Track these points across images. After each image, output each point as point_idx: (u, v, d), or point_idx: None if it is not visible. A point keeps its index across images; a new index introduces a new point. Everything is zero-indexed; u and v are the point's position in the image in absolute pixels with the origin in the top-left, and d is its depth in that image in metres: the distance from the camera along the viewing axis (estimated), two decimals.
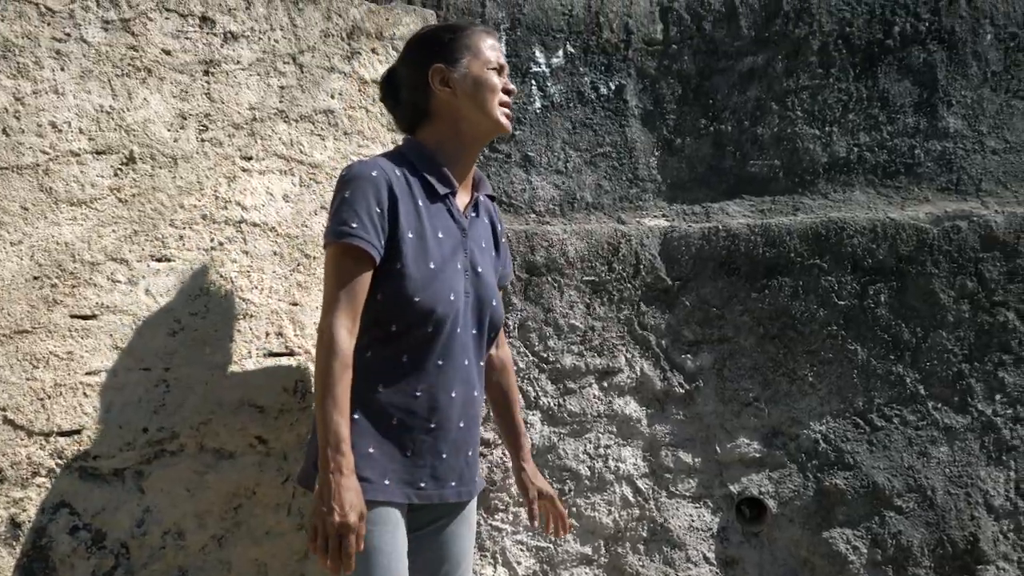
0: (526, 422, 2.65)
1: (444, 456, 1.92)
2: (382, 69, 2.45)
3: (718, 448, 2.78)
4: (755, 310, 2.80)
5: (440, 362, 1.88)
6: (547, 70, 2.90)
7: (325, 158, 2.32)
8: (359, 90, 2.39)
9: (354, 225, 1.79)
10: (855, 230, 2.84)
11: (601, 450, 2.72)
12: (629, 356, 2.75)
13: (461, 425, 1.94)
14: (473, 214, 2.01)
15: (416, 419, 1.88)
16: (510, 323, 2.64)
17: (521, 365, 2.65)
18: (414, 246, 1.85)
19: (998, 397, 2.88)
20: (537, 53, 2.89)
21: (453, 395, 1.91)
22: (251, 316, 2.16)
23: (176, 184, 2.08)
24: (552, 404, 2.67)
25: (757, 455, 2.79)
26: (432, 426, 1.89)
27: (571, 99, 2.92)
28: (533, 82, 2.88)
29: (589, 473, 2.70)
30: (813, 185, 3.01)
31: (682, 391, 2.78)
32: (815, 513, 2.78)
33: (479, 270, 1.96)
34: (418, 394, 1.87)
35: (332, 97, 2.34)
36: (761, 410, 2.80)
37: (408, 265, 1.84)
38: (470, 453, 1.97)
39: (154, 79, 2.06)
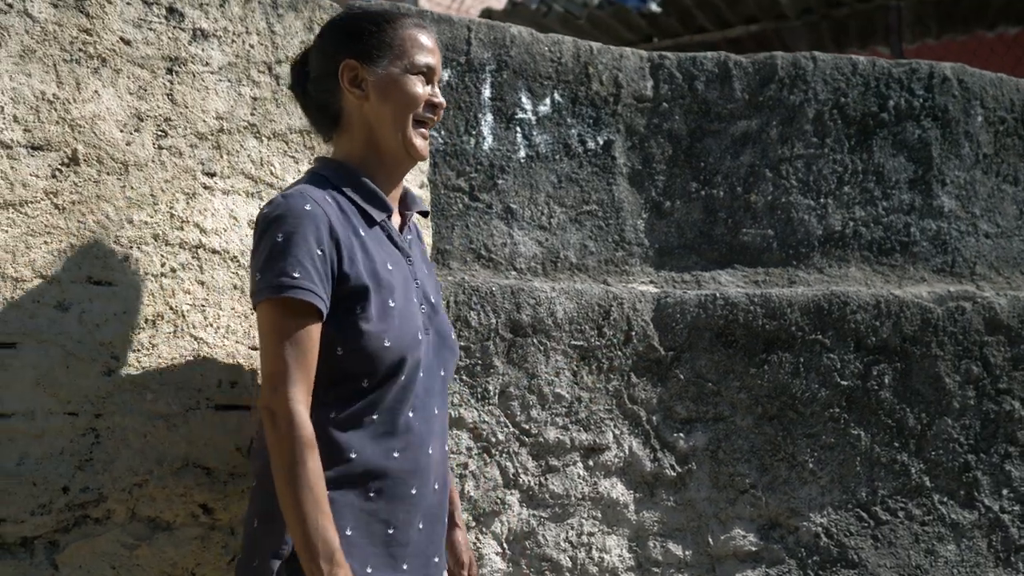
0: (503, 502, 2.32)
1: (421, 527, 1.62)
2: None
3: (711, 539, 2.49)
4: (753, 387, 2.56)
5: (411, 414, 1.59)
6: (533, 117, 2.67)
7: None
8: None
9: (296, 275, 1.49)
10: (858, 305, 2.64)
11: (584, 538, 2.40)
12: (617, 432, 2.46)
13: (436, 487, 1.64)
14: (409, 236, 1.73)
15: (397, 486, 1.58)
16: (490, 388, 2.33)
17: (500, 436, 2.33)
18: (372, 284, 1.56)
19: (1005, 492, 2.68)
20: (523, 99, 2.67)
21: (431, 451, 1.62)
22: (203, 359, 1.80)
23: (125, 195, 1.74)
24: (533, 483, 2.35)
25: (753, 548, 2.51)
26: (413, 492, 1.60)
27: (557, 151, 2.69)
28: (518, 129, 2.65)
29: (571, 564, 2.37)
30: (808, 258, 2.82)
31: (673, 474, 2.49)
32: None
33: (432, 300, 1.69)
34: (396, 455, 1.58)
35: None
36: (758, 498, 2.53)
37: (370, 307, 1.55)
38: (446, 520, 1.70)
39: (108, 70, 1.74)
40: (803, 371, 2.59)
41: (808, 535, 2.53)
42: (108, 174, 1.72)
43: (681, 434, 2.51)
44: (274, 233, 1.51)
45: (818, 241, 2.84)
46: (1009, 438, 2.70)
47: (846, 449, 2.58)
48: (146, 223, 1.76)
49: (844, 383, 2.60)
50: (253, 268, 1.54)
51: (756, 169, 2.85)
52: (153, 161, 1.78)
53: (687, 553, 2.47)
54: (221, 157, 1.88)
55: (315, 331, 1.51)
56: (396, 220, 1.70)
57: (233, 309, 1.86)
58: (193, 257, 1.82)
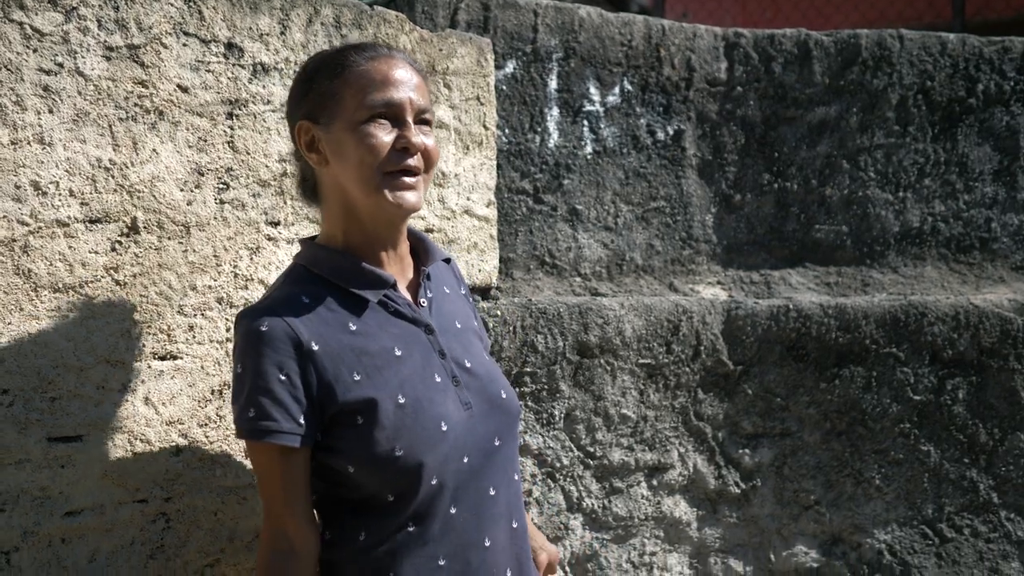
0: (566, 527, 2.28)
1: None
2: (436, 110, 2.02)
3: (772, 556, 2.45)
4: (823, 402, 2.47)
5: (453, 510, 1.40)
6: (601, 109, 2.50)
7: None
8: None
9: (250, 414, 1.33)
10: (936, 316, 2.52)
11: (646, 557, 2.36)
12: (682, 450, 2.39)
13: (509, 574, 1.47)
14: (428, 295, 1.47)
15: None
16: (556, 413, 2.25)
17: (565, 461, 2.27)
18: (370, 386, 1.37)
19: None
20: (592, 89, 2.49)
21: (488, 543, 1.44)
22: None
23: (188, 259, 1.62)
24: (596, 506, 2.30)
25: (815, 564, 2.47)
26: None
27: (625, 143, 2.53)
28: (585, 122, 2.48)
29: None
30: (883, 257, 2.69)
31: (737, 491, 2.43)
32: None
33: (467, 364, 1.46)
34: (442, 562, 1.40)
35: None
36: (822, 514, 2.47)
37: (372, 415, 1.36)
38: None
39: (166, 124, 1.60)
40: (875, 385, 2.49)
41: (871, 552, 2.49)
42: (169, 239, 1.60)
43: (747, 450, 2.44)
44: (235, 363, 1.37)
45: (894, 238, 2.70)
46: None
47: (914, 465, 2.51)
48: (210, 287, 1.65)
49: (917, 398, 2.51)
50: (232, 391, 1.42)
51: (833, 160, 2.69)
52: (215, 218, 1.66)
53: (748, 569, 2.44)
54: (285, 203, 1.75)
55: (290, 464, 1.35)
56: (406, 283, 1.47)
57: None
58: None
